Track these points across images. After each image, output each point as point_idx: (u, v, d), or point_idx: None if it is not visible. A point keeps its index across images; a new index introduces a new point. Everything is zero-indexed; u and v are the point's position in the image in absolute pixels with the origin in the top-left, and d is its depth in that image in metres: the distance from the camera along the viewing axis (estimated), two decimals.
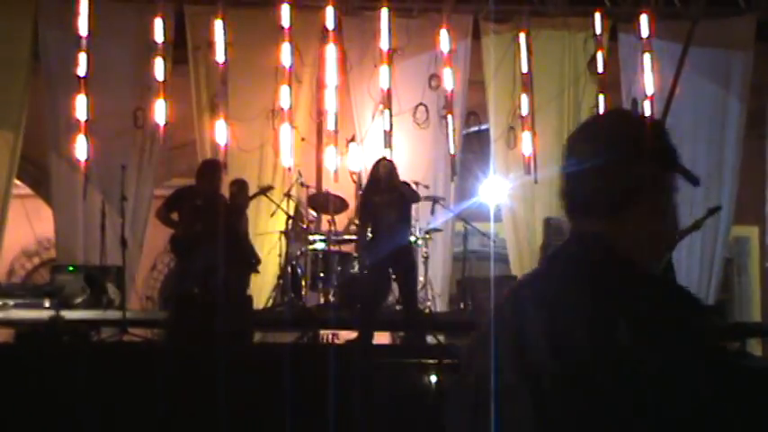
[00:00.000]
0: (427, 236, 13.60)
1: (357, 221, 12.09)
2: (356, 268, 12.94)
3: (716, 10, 14.79)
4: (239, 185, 12.83)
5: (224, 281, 11.70)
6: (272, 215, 13.97)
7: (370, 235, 11.39)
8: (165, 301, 15.03)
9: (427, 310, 13.16)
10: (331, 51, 14.50)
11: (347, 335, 11.79)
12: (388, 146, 14.41)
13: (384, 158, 11.90)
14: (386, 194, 11.17)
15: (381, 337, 11.69)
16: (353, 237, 13.68)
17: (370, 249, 11.43)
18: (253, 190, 13.66)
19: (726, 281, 15.26)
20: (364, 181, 14.33)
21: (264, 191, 13.10)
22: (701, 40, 14.07)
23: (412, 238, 12.82)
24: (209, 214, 11.78)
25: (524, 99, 14.66)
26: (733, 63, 14.97)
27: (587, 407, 2.57)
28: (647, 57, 14.74)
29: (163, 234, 12.71)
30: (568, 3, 15.08)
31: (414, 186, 12.10)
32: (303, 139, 14.59)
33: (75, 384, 9.48)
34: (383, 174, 11.29)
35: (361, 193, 11.90)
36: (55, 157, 14.34)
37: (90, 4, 14.07)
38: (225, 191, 12.58)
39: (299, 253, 13.46)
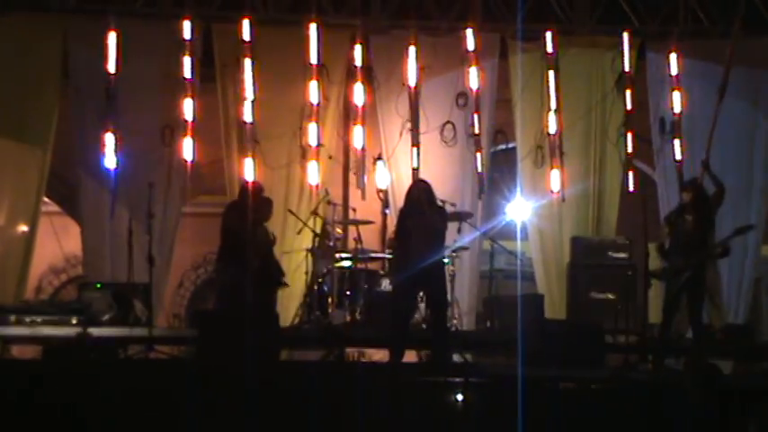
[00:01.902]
0: (454, 254, 13.58)
1: (395, 242, 12.08)
2: (383, 286, 12.94)
3: (745, 30, 14.72)
4: (258, 201, 12.86)
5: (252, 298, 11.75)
6: (298, 233, 13.98)
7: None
8: (192, 317, 15.04)
9: (453, 329, 13.13)
10: (358, 70, 14.51)
11: (374, 353, 11.79)
12: (415, 164, 14.40)
13: (419, 181, 11.90)
14: (417, 218, 11.19)
15: (408, 356, 11.66)
16: (380, 254, 13.70)
17: (399, 270, 11.47)
18: (279, 208, 13.72)
19: (753, 300, 15.14)
20: (391, 199, 14.43)
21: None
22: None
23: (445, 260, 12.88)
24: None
25: (552, 117, 14.64)
26: (762, 82, 14.90)
27: None
28: (674, 75, 14.70)
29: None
30: (596, 21, 15.08)
31: (449, 208, 12.14)
32: (330, 157, 14.61)
33: (102, 401, 9.51)
34: (416, 197, 11.32)
35: (399, 214, 11.92)
36: (83, 175, 14.40)
37: (119, 23, 14.15)
38: None
39: (325, 271, 13.46)
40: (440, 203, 11.64)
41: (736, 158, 14.65)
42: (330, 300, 13.30)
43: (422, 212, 11.15)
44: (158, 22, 14.54)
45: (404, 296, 11.32)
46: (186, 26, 14.24)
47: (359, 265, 13.15)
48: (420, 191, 11.36)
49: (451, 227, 13.59)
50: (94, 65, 14.14)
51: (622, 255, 14.02)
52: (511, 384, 9.54)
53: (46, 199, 15.34)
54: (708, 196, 11.78)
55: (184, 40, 14.23)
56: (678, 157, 14.58)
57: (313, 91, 14.37)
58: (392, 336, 11.22)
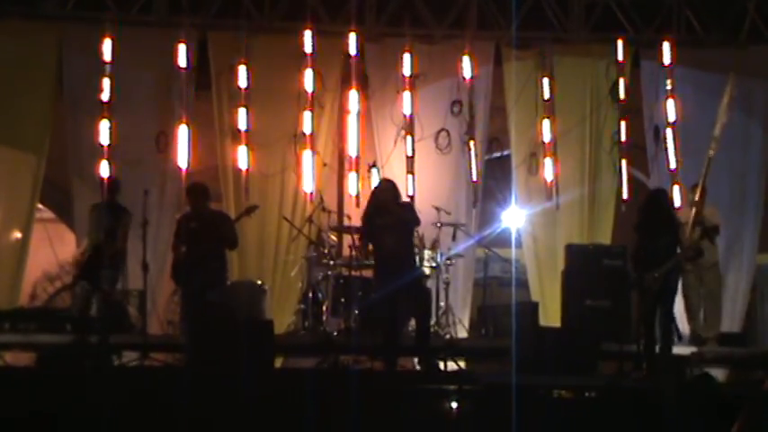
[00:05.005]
0: (449, 261, 13.59)
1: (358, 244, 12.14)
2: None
3: (738, 38, 14.78)
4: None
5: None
6: (293, 240, 14.01)
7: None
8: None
9: (448, 336, 13.14)
10: (353, 77, 14.53)
11: (368, 360, 11.78)
12: (410, 171, 14.42)
13: (383, 180, 11.98)
14: (385, 217, 11.23)
15: (403, 363, 11.67)
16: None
17: (377, 272, 11.55)
18: (273, 215, 13.78)
19: (749, 309, 15.15)
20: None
21: (249, 211, 13.09)
22: (723, 68, 14.05)
23: (426, 266, 12.91)
24: (201, 235, 11.95)
25: (546, 125, 14.66)
26: (755, 91, 14.92)
27: None
28: (668, 84, 14.72)
29: None
30: (591, 29, 15.09)
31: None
32: (325, 165, 14.62)
33: (96, 408, 9.50)
34: (381, 197, 11.37)
35: (363, 215, 11.89)
36: (78, 182, 14.39)
37: (114, 30, 14.16)
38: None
39: (320, 278, 13.46)
40: (405, 199, 11.66)
41: (730, 167, 14.66)
42: (325, 307, 13.30)
43: (388, 211, 11.21)
44: (154, 30, 14.55)
45: (389, 303, 11.32)
46: (182, 33, 14.26)
47: (353, 273, 13.14)
48: (384, 190, 11.44)
49: (446, 234, 13.65)
50: (89, 71, 14.15)
51: (617, 262, 14.00)
52: (505, 392, 9.54)
53: (40, 206, 15.33)
54: (670, 205, 11.87)
55: (180, 46, 14.24)
56: (672, 164, 14.59)
57: (307, 83, 14.37)
58: (383, 344, 11.24)
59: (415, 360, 11.94)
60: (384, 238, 11.28)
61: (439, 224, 13.57)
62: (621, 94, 14.77)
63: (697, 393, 9.75)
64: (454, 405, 10.04)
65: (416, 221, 11.66)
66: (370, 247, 11.72)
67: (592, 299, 13.34)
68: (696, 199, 12.62)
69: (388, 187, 11.56)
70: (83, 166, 14.30)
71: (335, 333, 12.89)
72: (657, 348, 11.33)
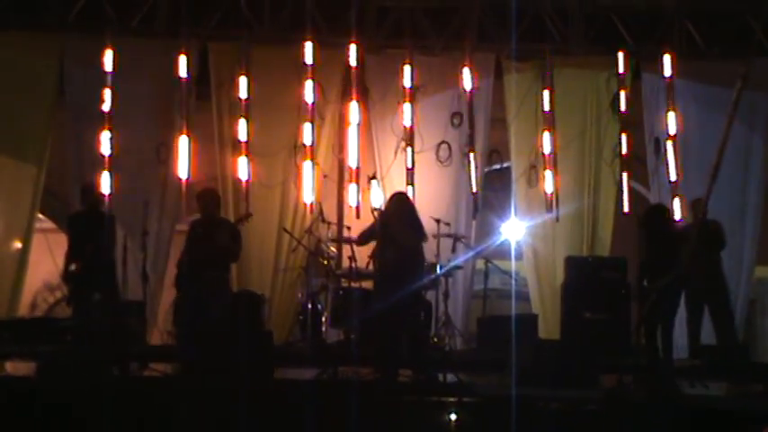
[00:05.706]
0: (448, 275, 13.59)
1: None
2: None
3: (739, 50, 14.79)
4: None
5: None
6: (292, 251, 14.01)
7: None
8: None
9: (447, 348, 13.13)
10: (354, 89, 14.54)
11: (368, 372, 11.78)
12: (410, 183, 14.42)
13: (396, 194, 11.92)
14: (386, 229, 11.25)
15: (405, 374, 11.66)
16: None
17: (376, 284, 11.58)
18: (274, 226, 13.77)
19: (748, 321, 15.13)
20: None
21: (244, 219, 13.09)
22: (724, 81, 14.05)
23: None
24: (203, 242, 11.94)
25: (546, 137, 14.67)
26: (757, 104, 14.91)
27: None
28: (669, 96, 14.73)
29: None
30: (591, 42, 15.11)
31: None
32: (325, 176, 14.63)
33: (96, 418, 9.50)
34: (389, 209, 11.39)
35: (377, 221, 11.91)
36: (78, 192, 14.39)
37: (115, 42, 14.19)
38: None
39: (319, 289, 13.47)
40: (414, 220, 11.61)
41: (731, 179, 14.64)
42: (324, 318, 13.30)
43: (389, 225, 11.23)
44: (154, 41, 14.59)
45: (389, 315, 11.33)
46: (183, 44, 14.29)
47: (353, 284, 13.14)
48: (393, 203, 11.43)
49: (445, 246, 13.64)
50: (91, 83, 14.19)
51: (616, 274, 13.99)
52: (504, 404, 9.53)
53: (41, 216, 15.34)
54: (671, 219, 11.86)
55: (181, 57, 14.27)
56: (673, 177, 14.60)
57: (308, 94, 14.38)
58: (383, 355, 11.24)
59: (414, 372, 11.93)
60: (386, 250, 11.28)
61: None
62: (622, 107, 14.78)
63: (665, 401, 9.79)
64: (453, 417, 10.03)
65: (407, 245, 11.62)
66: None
67: (591, 311, 13.33)
68: (700, 214, 12.63)
69: (395, 200, 11.56)
70: (84, 177, 14.29)
71: (335, 344, 12.89)
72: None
